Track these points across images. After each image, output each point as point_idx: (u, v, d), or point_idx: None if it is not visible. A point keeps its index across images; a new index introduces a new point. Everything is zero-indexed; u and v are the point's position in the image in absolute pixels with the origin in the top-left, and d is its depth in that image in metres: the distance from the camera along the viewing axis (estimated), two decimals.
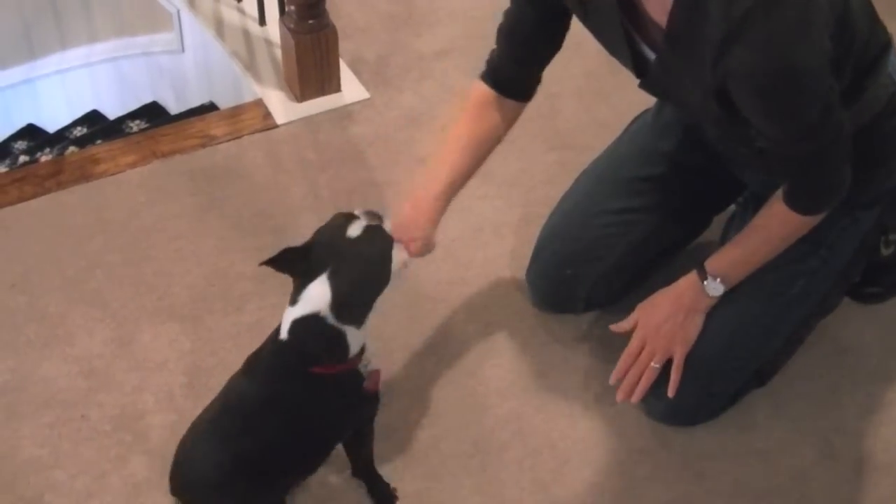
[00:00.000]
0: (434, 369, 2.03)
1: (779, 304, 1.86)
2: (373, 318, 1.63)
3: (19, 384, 2.00)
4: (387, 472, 1.85)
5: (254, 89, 2.72)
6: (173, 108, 3.69)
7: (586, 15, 1.73)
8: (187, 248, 2.27)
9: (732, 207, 2.10)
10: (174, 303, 2.15)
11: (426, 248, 1.79)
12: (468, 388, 2.00)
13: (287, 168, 2.50)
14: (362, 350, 1.65)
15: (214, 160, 2.50)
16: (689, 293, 1.85)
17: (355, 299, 1.58)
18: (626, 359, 1.88)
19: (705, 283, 1.82)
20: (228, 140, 2.56)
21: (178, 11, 3.28)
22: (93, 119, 3.93)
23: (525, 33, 1.84)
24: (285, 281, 1.62)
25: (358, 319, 1.60)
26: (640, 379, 1.86)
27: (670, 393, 1.85)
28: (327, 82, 2.66)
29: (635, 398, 1.86)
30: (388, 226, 1.66)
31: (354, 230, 1.61)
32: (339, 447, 1.77)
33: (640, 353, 1.86)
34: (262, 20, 2.90)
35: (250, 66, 2.80)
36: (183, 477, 1.67)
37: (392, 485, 1.83)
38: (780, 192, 1.73)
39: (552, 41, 1.85)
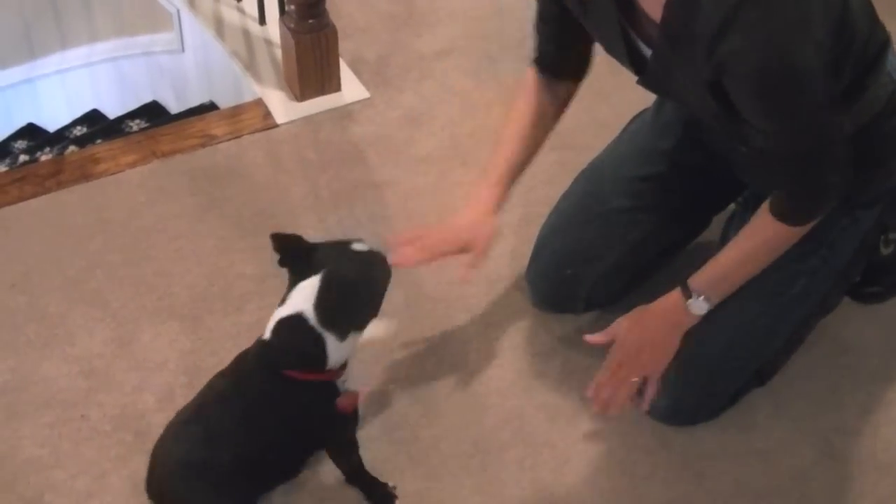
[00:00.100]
0: (434, 369, 2.03)
1: (779, 304, 1.86)
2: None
3: (19, 384, 2.00)
4: (387, 471, 1.85)
5: (254, 89, 2.72)
6: (173, 107, 3.69)
7: (585, 13, 1.73)
8: (187, 247, 2.27)
9: (732, 207, 2.10)
10: (174, 303, 2.15)
11: (487, 243, 1.88)
12: (468, 387, 2.00)
13: (287, 168, 2.50)
14: (344, 366, 1.64)
15: (215, 160, 2.50)
16: (671, 312, 1.81)
17: (342, 305, 1.56)
18: (603, 373, 1.83)
19: (689, 301, 1.78)
20: (228, 140, 2.56)
21: (178, 11, 3.28)
22: (93, 119, 3.94)
23: (554, 23, 1.86)
24: (285, 281, 1.62)
25: (340, 328, 1.58)
26: (616, 391, 1.82)
27: (644, 406, 1.83)
28: (327, 82, 2.66)
29: (613, 411, 1.83)
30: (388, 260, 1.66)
31: (360, 246, 1.62)
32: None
33: (618, 369, 1.82)
34: (262, 20, 2.90)
35: (250, 66, 2.80)
36: (154, 477, 1.68)
37: (392, 483, 1.83)
38: (765, 205, 1.71)
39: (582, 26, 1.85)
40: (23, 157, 3.61)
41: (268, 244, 1.63)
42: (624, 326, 1.83)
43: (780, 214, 1.70)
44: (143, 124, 3.64)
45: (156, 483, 1.67)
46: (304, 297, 1.57)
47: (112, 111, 3.91)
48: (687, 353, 1.84)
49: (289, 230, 1.63)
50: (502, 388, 2.01)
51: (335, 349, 1.58)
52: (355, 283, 1.59)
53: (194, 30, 3.19)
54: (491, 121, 2.64)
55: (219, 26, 2.98)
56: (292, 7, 2.55)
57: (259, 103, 2.68)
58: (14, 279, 2.20)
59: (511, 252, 2.25)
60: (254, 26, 2.92)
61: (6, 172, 2.61)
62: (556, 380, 2.02)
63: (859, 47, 1.61)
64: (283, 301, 1.60)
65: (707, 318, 1.80)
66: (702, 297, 1.77)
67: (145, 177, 2.46)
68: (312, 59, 2.60)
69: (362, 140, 2.57)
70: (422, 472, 1.87)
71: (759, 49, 1.45)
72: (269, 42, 2.87)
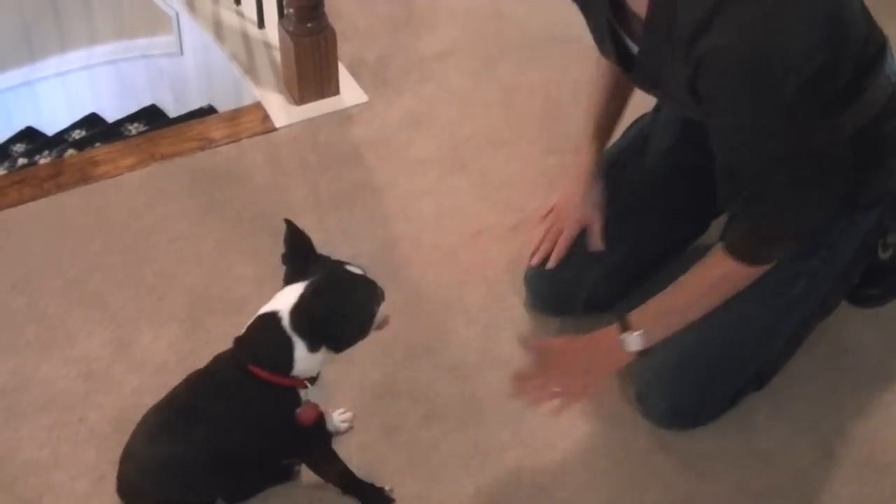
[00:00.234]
0: (433, 371, 2.03)
1: (779, 304, 1.86)
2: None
3: (19, 385, 2.00)
4: (386, 473, 1.85)
5: (253, 92, 2.73)
6: (172, 110, 3.69)
7: (584, 5, 1.74)
8: (187, 249, 2.27)
9: None
10: (174, 304, 2.15)
11: (600, 214, 1.97)
12: (467, 390, 2.00)
13: (286, 170, 2.50)
14: (313, 380, 1.62)
15: (214, 162, 2.51)
16: (605, 343, 1.75)
17: (317, 315, 1.55)
18: (527, 373, 1.78)
19: (623, 335, 1.71)
20: (227, 143, 2.56)
21: (178, 14, 3.29)
22: (91, 122, 3.94)
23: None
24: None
25: (311, 338, 1.56)
26: (537, 393, 1.78)
27: (554, 412, 1.76)
28: (326, 85, 2.66)
29: (532, 403, 1.79)
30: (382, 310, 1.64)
31: (356, 270, 1.61)
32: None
33: (542, 376, 1.77)
34: (260, 23, 2.90)
35: (249, 69, 2.80)
36: (120, 475, 1.68)
37: (391, 486, 1.82)
38: (720, 245, 1.68)
39: None
40: (21, 161, 3.61)
41: (267, 246, 1.64)
42: (559, 343, 1.83)
43: (735, 249, 1.65)
44: (142, 128, 3.64)
45: (125, 482, 1.68)
46: (285, 299, 1.57)
47: (111, 113, 3.92)
48: (687, 352, 1.85)
49: None
50: (501, 390, 2.00)
51: (303, 358, 1.57)
52: (335, 298, 1.57)
53: (193, 33, 3.19)
54: (491, 122, 2.64)
55: (218, 29, 2.98)
56: (291, 10, 2.55)
57: (258, 106, 2.68)
58: (14, 281, 2.20)
59: (510, 255, 2.25)
60: (253, 29, 2.92)
61: (5, 175, 2.61)
62: None
63: (857, 46, 1.61)
64: (270, 300, 1.61)
65: (707, 318, 1.79)
66: (638, 333, 1.71)
67: (144, 179, 2.46)
68: (311, 63, 2.60)
69: (362, 142, 2.57)
70: (421, 474, 1.87)
71: (737, 45, 1.44)
72: (267, 45, 2.87)
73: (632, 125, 2.16)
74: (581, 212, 2.02)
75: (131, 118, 3.75)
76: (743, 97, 1.50)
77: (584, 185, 2.03)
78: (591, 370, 1.77)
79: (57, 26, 3.83)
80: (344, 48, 2.72)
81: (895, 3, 2.50)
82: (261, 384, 1.58)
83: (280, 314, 1.56)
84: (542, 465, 1.89)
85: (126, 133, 3.63)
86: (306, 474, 1.81)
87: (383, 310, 1.63)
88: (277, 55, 2.74)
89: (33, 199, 2.40)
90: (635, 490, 1.86)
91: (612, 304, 2.06)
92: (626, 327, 1.72)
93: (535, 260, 2.07)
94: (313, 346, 1.57)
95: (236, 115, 2.67)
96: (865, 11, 1.67)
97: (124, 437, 1.89)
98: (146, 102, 3.85)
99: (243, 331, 1.61)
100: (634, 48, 1.68)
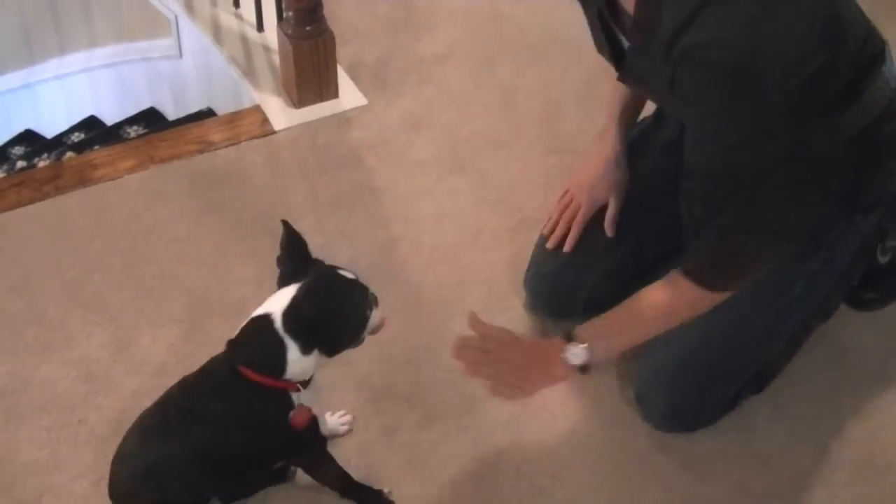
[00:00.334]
0: (432, 373, 2.03)
1: (780, 305, 1.86)
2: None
3: (18, 387, 2.00)
4: (385, 475, 1.85)
5: (252, 95, 2.73)
6: (171, 113, 3.69)
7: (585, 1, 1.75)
8: (186, 251, 2.27)
9: None
10: (173, 306, 2.15)
11: (614, 197, 1.97)
12: (466, 392, 2.00)
13: (285, 172, 2.50)
14: (306, 383, 1.62)
15: (213, 165, 2.51)
16: (545, 354, 1.72)
17: (310, 316, 1.55)
18: (463, 345, 1.72)
19: (568, 346, 1.68)
20: (227, 146, 2.56)
21: (177, 17, 3.29)
22: (90, 125, 3.94)
23: None
24: None
25: (303, 340, 1.57)
26: (473, 365, 1.73)
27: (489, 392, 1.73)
28: (325, 88, 2.66)
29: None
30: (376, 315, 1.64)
31: (348, 274, 1.62)
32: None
33: (479, 358, 1.72)
34: (259, 26, 2.91)
35: (248, 72, 2.81)
36: (112, 475, 1.68)
37: (389, 489, 1.82)
38: (678, 269, 1.66)
39: None
40: (20, 164, 3.61)
41: (267, 247, 1.64)
42: (506, 337, 1.75)
43: (691, 272, 1.64)
44: (142, 130, 3.64)
45: (117, 483, 1.68)
46: (278, 301, 1.57)
47: (110, 116, 3.92)
48: (687, 352, 1.85)
49: None
50: None
51: (296, 360, 1.57)
52: (327, 301, 1.57)
53: (192, 36, 3.19)
54: (490, 124, 2.64)
55: (217, 32, 2.98)
56: (290, 13, 2.55)
57: (257, 109, 2.68)
58: (13, 282, 2.20)
59: (510, 257, 2.25)
60: (252, 32, 2.93)
61: (4, 178, 2.62)
62: (554, 386, 2.01)
63: (855, 48, 1.62)
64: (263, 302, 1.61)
65: (708, 318, 1.79)
66: (582, 347, 1.68)
67: (144, 182, 2.46)
68: (310, 66, 2.60)
69: (361, 144, 2.57)
70: (420, 476, 1.86)
71: (713, 42, 1.44)
72: (266, 48, 2.87)
73: (634, 126, 2.16)
74: (597, 191, 2.02)
75: (130, 121, 3.75)
76: (718, 96, 1.48)
77: (603, 166, 2.01)
78: (527, 375, 1.73)
79: (56, 29, 3.83)
80: (343, 51, 2.73)
81: (895, 6, 2.51)
82: (253, 386, 1.59)
83: (273, 316, 1.56)
84: (542, 467, 1.88)
85: (125, 136, 3.63)
86: (304, 475, 1.81)
87: (379, 314, 1.64)
88: (276, 58, 2.74)
89: (32, 201, 2.40)
90: (634, 491, 1.86)
91: (612, 305, 2.06)
92: (571, 339, 1.70)
93: (552, 243, 2.05)
94: (306, 349, 1.57)
95: (235, 117, 2.67)
96: (862, 15, 1.67)
97: None
98: (145, 105, 3.85)
99: (236, 333, 1.61)
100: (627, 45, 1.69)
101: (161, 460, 1.64)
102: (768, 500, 1.85)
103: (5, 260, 2.25)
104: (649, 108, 2.09)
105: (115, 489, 1.71)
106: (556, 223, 2.05)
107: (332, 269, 1.62)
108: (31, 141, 3.92)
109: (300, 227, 2.28)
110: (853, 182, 1.72)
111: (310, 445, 1.71)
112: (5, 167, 3.63)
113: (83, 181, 2.46)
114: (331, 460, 1.75)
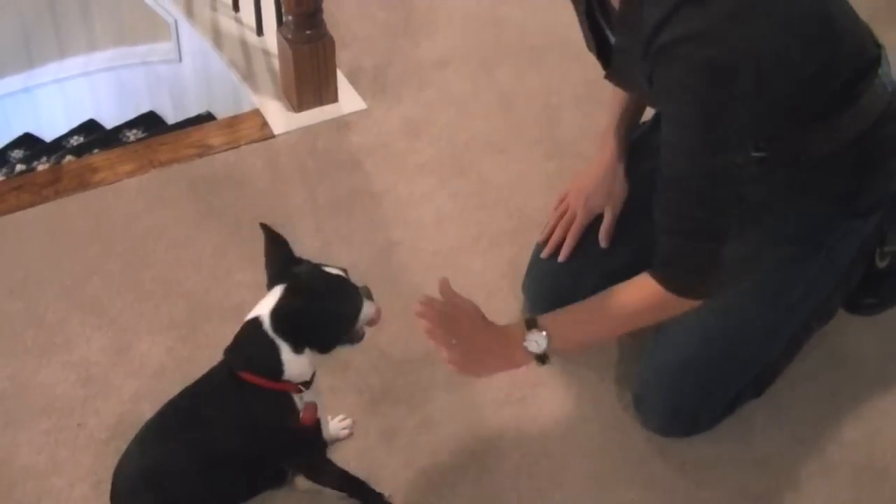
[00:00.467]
0: (431, 378, 2.03)
1: (780, 306, 1.86)
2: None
3: (17, 391, 2.00)
4: (384, 480, 1.84)
5: (251, 99, 2.73)
6: (171, 117, 3.70)
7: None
8: (185, 255, 2.27)
9: None
10: (172, 310, 2.15)
11: (618, 201, 1.96)
12: (465, 396, 2.00)
13: (285, 176, 2.50)
14: (308, 382, 1.62)
15: (212, 169, 2.51)
16: (505, 338, 1.67)
17: (294, 315, 1.56)
18: (428, 304, 1.64)
19: (529, 332, 1.65)
20: (226, 150, 2.56)
21: (176, 21, 3.29)
22: (90, 128, 3.95)
23: None
24: None
25: (294, 340, 1.57)
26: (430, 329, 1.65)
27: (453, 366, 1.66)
28: (325, 92, 2.67)
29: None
30: (371, 307, 1.62)
31: (334, 271, 1.62)
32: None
33: (440, 322, 1.64)
34: (259, 30, 2.91)
35: (248, 76, 2.81)
36: (116, 492, 1.68)
37: (388, 493, 1.82)
38: (649, 270, 1.65)
39: None
40: (20, 167, 3.62)
41: None
42: (471, 308, 1.68)
43: (657, 272, 1.63)
44: (141, 134, 3.65)
45: (117, 497, 1.68)
46: (266, 304, 1.58)
47: (110, 120, 3.92)
48: (688, 353, 1.85)
49: (287, 237, 1.64)
50: (499, 397, 2.00)
51: (291, 360, 1.58)
52: (312, 298, 1.57)
53: (192, 39, 3.19)
54: (490, 128, 2.64)
55: (216, 36, 2.99)
56: (290, 17, 2.56)
57: (256, 113, 2.68)
58: (12, 286, 2.20)
59: (509, 261, 2.25)
60: (251, 36, 2.93)
61: (4, 181, 2.62)
62: (552, 389, 2.02)
63: (852, 49, 1.62)
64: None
65: (708, 319, 1.79)
66: (543, 334, 1.65)
67: (143, 185, 2.46)
68: (310, 70, 2.61)
69: (360, 149, 2.57)
70: (419, 480, 1.86)
71: (691, 36, 1.44)
72: (266, 52, 2.87)
73: (637, 128, 2.17)
74: (594, 199, 2.01)
75: (130, 125, 3.76)
76: (691, 93, 1.48)
77: (600, 174, 2.01)
78: (486, 356, 1.68)
79: (56, 33, 3.83)
80: (342, 55, 2.73)
81: (894, 11, 2.51)
82: (255, 390, 1.59)
83: (262, 318, 1.57)
84: (540, 471, 1.88)
85: (124, 139, 3.64)
86: (303, 479, 1.81)
87: (374, 306, 1.63)
88: (276, 62, 2.75)
89: (32, 205, 2.40)
90: (633, 496, 1.86)
91: None
92: (532, 324, 1.67)
93: (546, 251, 2.05)
94: (297, 348, 1.58)
95: (235, 121, 2.68)
96: (858, 19, 1.68)
97: (122, 443, 1.88)
98: (145, 109, 3.86)
99: (231, 340, 1.62)
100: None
101: (163, 465, 1.64)
102: None
103: (5, 263, 2.25)
104: (651, 110, 2.10)
105: (115, 494, 1.70)
106: (553, 230, 2.05)
107: (317, 267, 1.62)
108: (31, 144, 3.93)
109: (299, 230, 2.30)
110: (853, 184, 1.73)
111: (312, 447, 1.71)
112: (5, 170, 3.64)
113: (82, 185, 2.46)
114: (330, 461, 1.75)
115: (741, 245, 1.64)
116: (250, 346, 1.60)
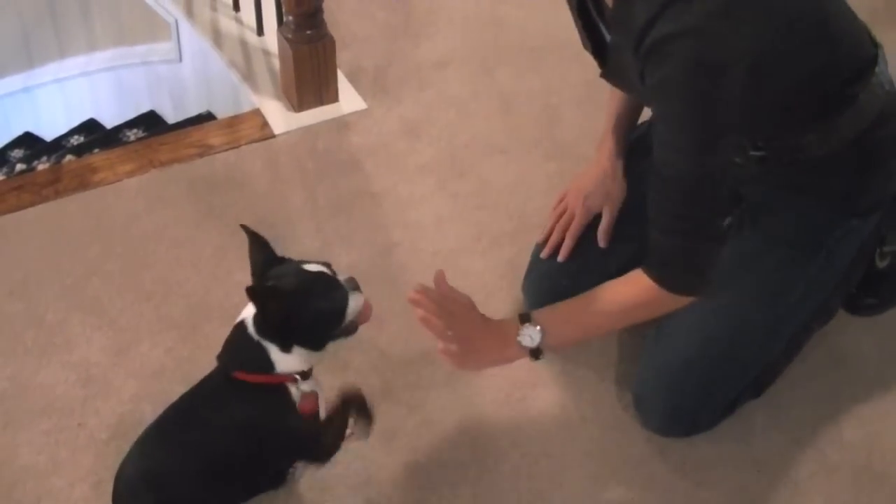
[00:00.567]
0: (431, 378, 2.03)
1: (780, 307, 1.86)
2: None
3: (17, 391, 2.00)
4: (383, 480, 1.85)
5: (251, 99, 2.73)
6: (171, 117, 3.70)
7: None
8: (185, 255, 2.27)
9: None
10: (172, 311, 2.15)
11: (616, 202, 1.96)
12: (465, 397, 2.00)
13: (285, 177, 2.50)
14: (304, 374, 1.63)
15: (212, 169, 2.51)
16: (500, 333, 1.68)
17: (272, 316, 1.56)
18: (423, 292, 1.66)
19: (524, 326, 1.65)
20: (226, 150, 2.56)
21: (177, 21, 3.29)
22: (90, 128, 3.95)
23: None
24: None
25: (278, 340, 1.58)
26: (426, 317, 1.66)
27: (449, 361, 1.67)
28: (325, 92, 2.67)
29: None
30: (359, 299, 1.62)
31: (314, 268, 1.61)
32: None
33: (438, 314, 1.65)
34: (259, 30, 2.91)
35: (248, 76, 2.81)
36: (118, 495, 1.68)
37: (389, 493, 1.82)
38: (641, 267, 1.66)
39: None
40: (20, 167, 3.62)
41: None
42: (467, 302, 1.68)
43: (649, 269, 1.63)
44: (141, 134, 3.65)
45: (118, 499, 1.68)
46: (250, 306, 1.60)
47: (110, 120, 3.92)
48: (689, 353, 1.84)
49: (287, 238, 1.65)
50: (499, 398, 2.00)
51: (281, 358, 1.59)
52: (289, 298, 1.57)
53: (192, 39, 3.19)
54: (489, 129, 2.64)
55: (216, 36, 2.99)
56: (290, 17, 2.56)
57: (257, 113, 2.68)
58: (12, 286, 2.20)
59: (509, 262, 2.25)
60: (251, 36, 2.93)
61: (4, 181, 2.61)
62: (552, 390, 2.02)
63: (849, 50, 1.62)
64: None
65: (709, 319, 1.79)
66: (537, 329, 1.65)
67: (143, 185, 2.46)
68: (310, 70, 2.61)
69: (360, 149, 2.57)
70: (419, 482, 1.87)
71: (677, 38, 1.44)
72: (266, 52, 2.87)
73: (635, 129, 2.17)
74: (592, 200, 2.01)
75: (130, 124, 3.76)
76: (678, 90, 1.48)
77: (599, 175, 2.02)
78: (479, 348, 1.68)
79: (56, 33, 3.83)
80: (343, 56, 2.73)
81: (893, 11, 2.51)
82: (251, 388, 1.60)
83: (246, 321, 1.60)
84: (540, 471, 1.89)
85: (125, 139, 3.64)
86: (304, 479, 1.81)
87: (362, 298, 1.63)
88: (276, 62, 2.75)
89: (32, 205, 2.40)
90: (632, 498, 1.86)
91: None
92: (526, 318, 1.67)
93: (546, 252, 2.05)
94: (284, 347, 1.59)
95: (235, 121, 2.68)
96: (855, 19, 1.68)
97: (122, 443, 1.88)
98: (145, 109, 3.85)
99: (222, 345, 1.64)
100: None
101: (163, 466, 1.64)
102: None
103: (4, 263, 2.25)
104: (649, 111, 2.10)
105: (117, 496, 1.70)
106: (552, 231, 2.05)
107: (296, 265, 1.62)
108: (31, 144, 3.93)
109: (300, 230, 2.30)
110: (853, 184, 1.73)
111: (313, 439, 1.71)
112: (5, 170, 3.64)
113: (83, 185, 2.46)
114: (330, 444, 1.72)
115: (741, 245, 1.64)
116: (240, 349, 1.62)
